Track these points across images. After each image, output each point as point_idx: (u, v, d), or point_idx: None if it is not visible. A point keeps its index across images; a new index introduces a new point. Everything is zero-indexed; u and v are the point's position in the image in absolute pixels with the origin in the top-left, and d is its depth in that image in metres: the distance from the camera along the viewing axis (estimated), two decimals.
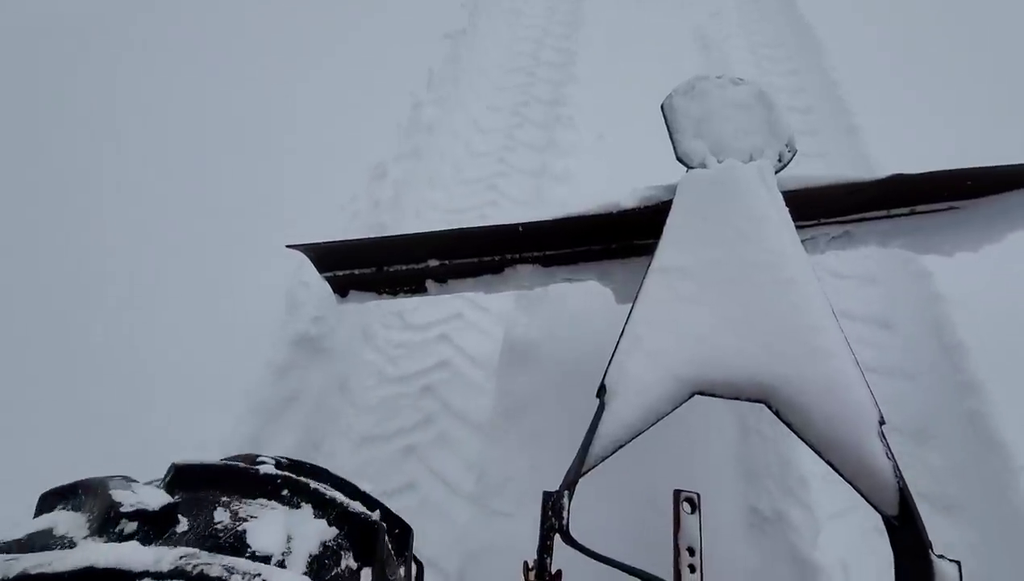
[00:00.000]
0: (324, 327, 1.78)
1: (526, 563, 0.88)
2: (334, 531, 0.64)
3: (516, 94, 3.00)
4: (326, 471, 0.76)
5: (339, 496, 0.67)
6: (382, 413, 1.77)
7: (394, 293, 1.59)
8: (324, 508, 0.65)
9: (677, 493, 1.07)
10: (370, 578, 0.64)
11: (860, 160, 2.27)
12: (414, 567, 0.83)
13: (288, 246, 1.45)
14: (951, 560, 0.85)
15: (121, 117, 2.55)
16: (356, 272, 1.53)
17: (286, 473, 0.67)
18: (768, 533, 1.43)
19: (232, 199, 2.18)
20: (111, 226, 2.10)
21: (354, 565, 0.63)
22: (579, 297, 1.73)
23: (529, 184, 2.44)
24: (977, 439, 1.52)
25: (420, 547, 0.88)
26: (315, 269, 1.52)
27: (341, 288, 1.57)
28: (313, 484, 0.66)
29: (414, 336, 1.99)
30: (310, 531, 0.62)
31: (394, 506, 0.79)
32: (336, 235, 2.09)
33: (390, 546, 0.72)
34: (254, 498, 0.63)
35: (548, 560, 0.87)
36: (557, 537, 0.88)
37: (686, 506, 1.05)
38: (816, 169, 2.07)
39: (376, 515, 0.70)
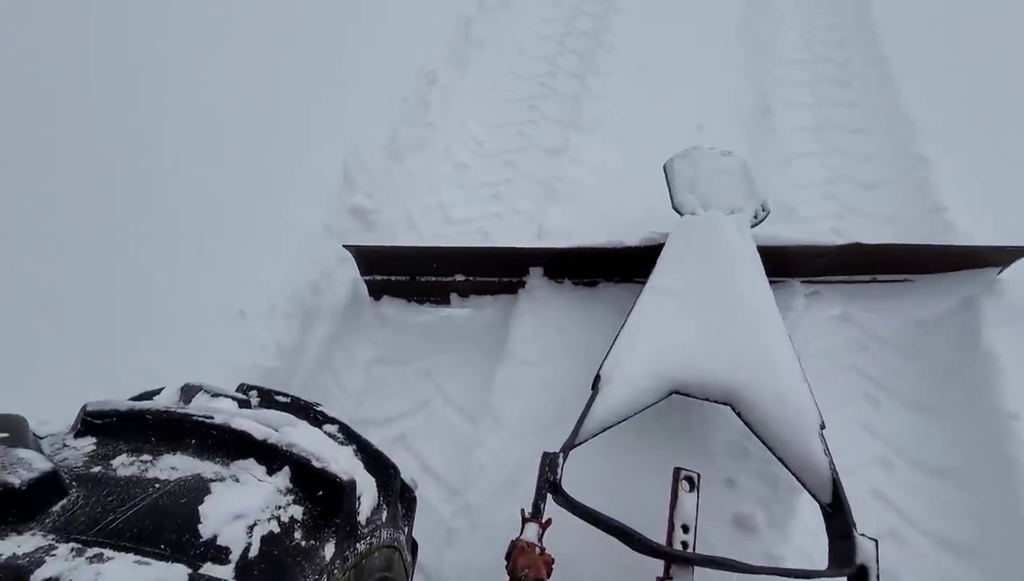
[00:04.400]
0: (376, 202, 1.95)
1: (523, 510, 1.06)
2: (290, 496, 0.55)
3: (560, 25, 3.09)
4: (306, 401, 0.71)
5: (298, 445, 0.57)
6: None
7: (421, 302, 1.81)
8: (278, 464, 0.56)
9: (677, 471, 1.22)
10: (329, 551, 0.55)
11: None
12: (401, 507, 0.79)
13: (344, 246, 1.64)
14: (870, 538, 1.07)
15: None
16: (392, 278, 1.74)
17: (230, 423, 0.55)
18: None
19: (301, 86, 2.32)
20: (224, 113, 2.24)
21: (305, 542, 0.53)
22: None
23: (569, 105, 2.56)
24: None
25: None
26: (359, 272, 1.71)
27: (376, 291, 1.78)
28: (260, 434, 0.56)
29: (454, 229, 2.16)
30: (253, 503, 0.51)
31: None
32: (387, 127, 2.25)
33: (400, 506, 0.69)
34: (185, 451, 0.54)
35: (542, 507, 1.06)
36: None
37: (685, 484, 1.20)
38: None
39: (347, 469, 0.60)
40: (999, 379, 1.54)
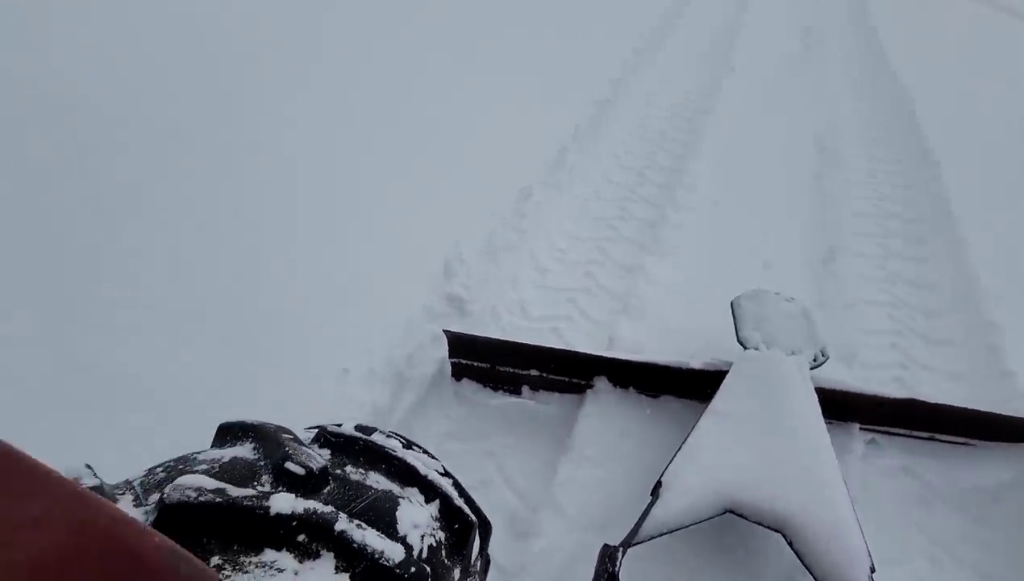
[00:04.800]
0: (470, 293, 2.23)
1: None
2: (438, 523, 0.69)
3: (641, 158, 3.48)
4: (433, 455, 0.85)
5: (444, 484, 0.72)
6: None
7: (496, 389, 1.99)
8: (432, 496, 0.70)
9: None
10: (457, 576, 0.68)
11: None
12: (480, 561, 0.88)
13: (444, 331, 1.89)
14: None
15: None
16: (475, 364, 1.95)
17: (406, 458, 0.71)
18: None
19: (421, 197, 2.74)
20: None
21: (446, 561, 0.66)
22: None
23: (647, 230, 2.84)
24: None
25: None
26: (448, 354, 1.93)
27: (459, 373, 1.99)
28: (424, 471, 0.71)
29: (529, 324, 2.39)
30: (423, 519, 0.66)
31: None
32: (486, 230, 2.59)
33: (478, 544, 0.81)
34: (379, 472, 0.69)
35: None
36: None
37: None
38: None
39: (470, 513, 0.75)
40: None
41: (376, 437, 0.79)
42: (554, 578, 1.44)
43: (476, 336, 1.90)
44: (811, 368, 1.72)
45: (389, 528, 0.61)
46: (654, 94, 4.17)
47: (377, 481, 0.68)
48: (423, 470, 0.73)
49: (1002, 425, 1.75)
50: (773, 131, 3.77)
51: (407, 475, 0.72)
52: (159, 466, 0.64)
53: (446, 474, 0.88)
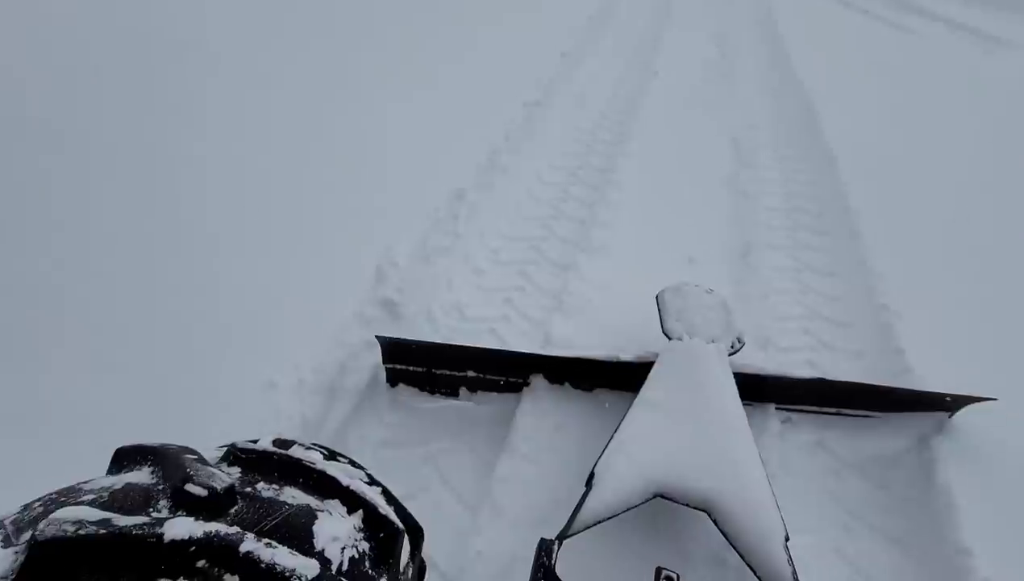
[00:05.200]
0: (403, 297, 2.20)
1: None
2: (361, 533, 0.67)
3: (574, 159, 3.57)
4: (359, 464, 0.82)
5: (368, 493, 0.70)
6: None
7: (433, 392, 1.99)
8: (355, 506, 0.69)
9: (659, 570, 1.32)
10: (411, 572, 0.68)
11: None
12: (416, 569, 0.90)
13: (376, 336, 1.87)
14: None
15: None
16: (410, 368, 1.94)
17: (326, 469, 0.69)
18: None
19: (350, 199, 2.68)
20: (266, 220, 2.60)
21: (371, 572, 0.65)
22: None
23: (578, 229, 2.92)
24: None
25: None
26: (382, 360, 1.91)
27: (394, 379, 1.98)
28: (346, 481, 0.69)
29: (466, 325, 2.39)
30: (343, 531, 0.64)
31: None
32: (419, 233, 2.56)
33: (407, 551, 0.77)
34: (296, 486, 0.66)
35: None
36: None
37: None
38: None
39: (397, 520, 0.73)
40: (953, 515, 1.69)
41: (295, 450, 0.76)
42: (494, 577, 1.45)
43: (410, 340, 1.88)
44: (729, 354, 1.83)
45: (304, 543, 0.59)
46: (584, 96, 4.28)
47: (293, 496, 0.66)
48: (345, 480, 0.72)
49: (897, 397, 1.93)
50: (694, 131, 3.97)
51: (327, 487, 0.70)
52: (37, 500, 0.59)
53: (373, 482, 0.86)
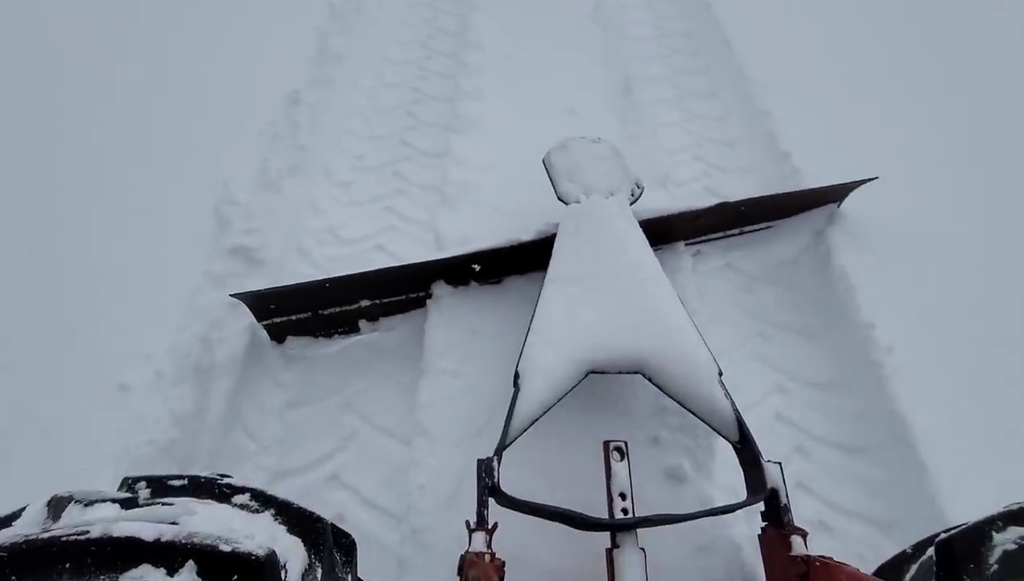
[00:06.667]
0: (258, 238, 1.83)
1: (467, 521, 1.06)
2: (293, 537, 0.67)
3: (422, 26, 3.06)
4: (215, 481, 0.76)
5: (206, 535, 0.63)
6: None
7: (329, 335, 1.73)
8: (281, 514, 0.69)
9: (607, 444, 1.27)
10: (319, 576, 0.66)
11: None
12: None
13: (232, 295, 1.52)
14: (774, 462, 1.20)
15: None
16: (293, 318, 1.64)
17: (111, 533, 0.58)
18: None
19: (155, 126, 2.12)
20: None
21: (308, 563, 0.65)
22: None
23: (446, 107, 2.55)
24: None
25: None
26: (255, 318, 1.60)
27: (278, 334, 1.68)
28: (169, 534, 0.59)
29: (347, 250, 2.08)
30: (279, 537, 0.64)
31: None
32: (257, 156, 2.12)
33: (337, 554, 0.76)
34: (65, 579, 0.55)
35: (486, 514, 1.07)
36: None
37: (615, 455, 1.26)
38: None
39: (264, 540, 0.67)
40: (853, 296, 1.77)
41: (70, 513, 0.54)
42: (443, 506, 1.35)
43: (278, 288, 1.58)
44: (631, 204, 1.70)
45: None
46: None
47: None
48: (150, 533, 0.53)
49: (790, 200, 1.94)
50: None
51: (123, 554, 0.51)
52: None
53: (235, 491, 0.70)
